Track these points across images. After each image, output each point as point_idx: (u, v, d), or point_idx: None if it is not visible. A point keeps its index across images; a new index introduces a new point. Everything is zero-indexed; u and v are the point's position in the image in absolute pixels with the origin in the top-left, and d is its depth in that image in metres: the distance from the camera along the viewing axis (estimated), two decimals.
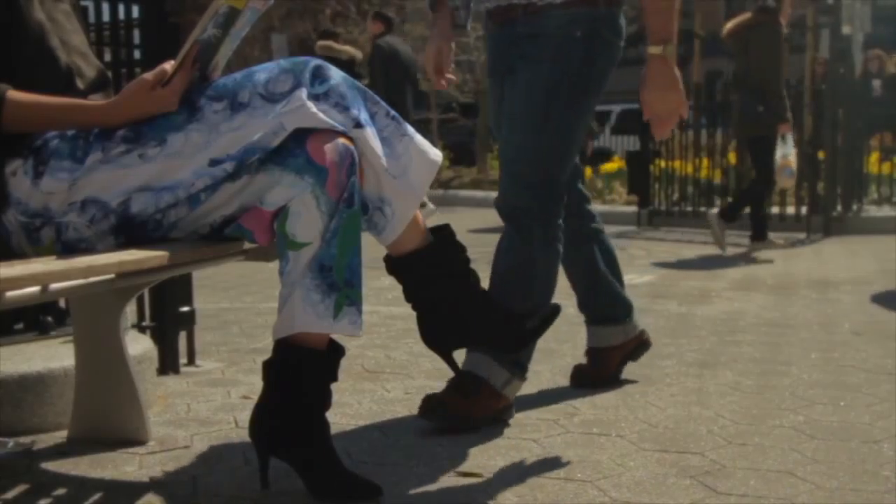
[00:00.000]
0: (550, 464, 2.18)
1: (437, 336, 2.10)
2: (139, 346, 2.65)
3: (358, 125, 1.91)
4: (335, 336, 1.95)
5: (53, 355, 2.51)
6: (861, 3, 11.46)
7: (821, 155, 7.86)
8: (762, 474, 2.10)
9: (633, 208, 8.92)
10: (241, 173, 1.87)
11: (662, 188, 8.60)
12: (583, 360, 2.93)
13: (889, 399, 2.69)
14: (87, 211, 1.87)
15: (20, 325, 2.69)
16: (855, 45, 11.21)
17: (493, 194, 2.68)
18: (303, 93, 1.87)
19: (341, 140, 1.89)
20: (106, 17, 3.02)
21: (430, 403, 2.44)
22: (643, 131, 8.84)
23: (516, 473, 2.12)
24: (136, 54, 3.04)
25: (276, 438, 1.94)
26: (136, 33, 3.04)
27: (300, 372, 1.92)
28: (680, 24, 2.54)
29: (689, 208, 8.39)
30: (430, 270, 2.04)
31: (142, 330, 3.01)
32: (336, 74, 1.94)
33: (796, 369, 3.07)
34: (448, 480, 2.08)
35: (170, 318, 3.05)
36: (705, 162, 8.40)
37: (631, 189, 9.73)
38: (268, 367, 1.96)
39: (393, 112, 2.00)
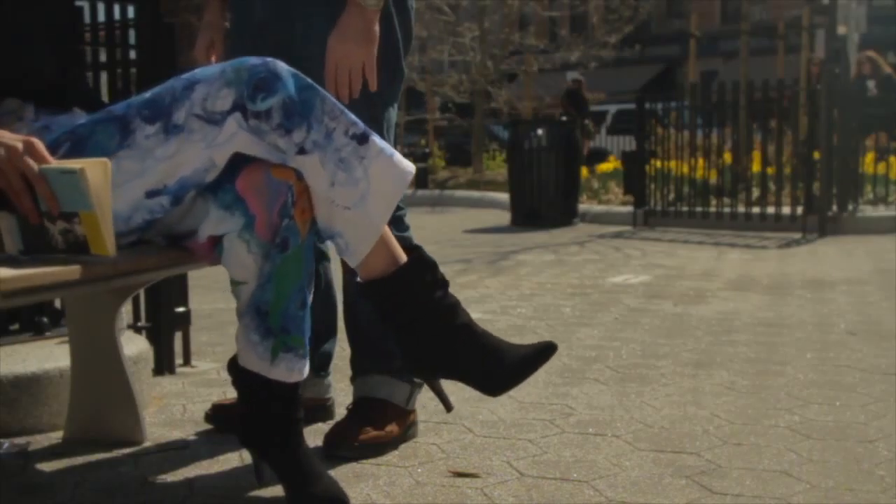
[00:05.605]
0: (546, 464, 2.18)
1: (416, 365, 1.92)
2: (134, 346, 2.64)
3: (301, 151, 1.74)
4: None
5: (49, 356, 2.51)
6: (856, 3, 11.48)
7: (816, 155, 7.86)
8: (758, 474, 2.10)
9: (629, 208, 8.93)
10: (182, 201, 1.77)
11: (658, 188, 8.61)
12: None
13: (884, 399, 2.69)
14: None
15: (16, 326, 2.69)
16: (850, 45, 11.24)
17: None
18: (235, 119, 1.71)
19: (276, 176, 1.74)
20: (101, 17, 3.02)
21: (337, 437, 2.23)
22: (640, 132, 8.87)
23: (512, 473, 2.12)
24: (132, 55, 3.04)
25: (250, 441, 1.90)
26: (132, 33, 3.04)
27: (255, 392, 1.86)
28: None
29: (685, 208, 8.40)
30: (398, 298, 1.86)
31: (137, 330, 3.01)
32: (286, 86, 1.73)
33: (791, 369, 3.07)
34: (444, 480, 2.08)
35: (165, 318, 3.04)
36: (701, 162, 8.41)
37: (627, 189, 9.76)
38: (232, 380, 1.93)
39: (355, 129, 1.78)
